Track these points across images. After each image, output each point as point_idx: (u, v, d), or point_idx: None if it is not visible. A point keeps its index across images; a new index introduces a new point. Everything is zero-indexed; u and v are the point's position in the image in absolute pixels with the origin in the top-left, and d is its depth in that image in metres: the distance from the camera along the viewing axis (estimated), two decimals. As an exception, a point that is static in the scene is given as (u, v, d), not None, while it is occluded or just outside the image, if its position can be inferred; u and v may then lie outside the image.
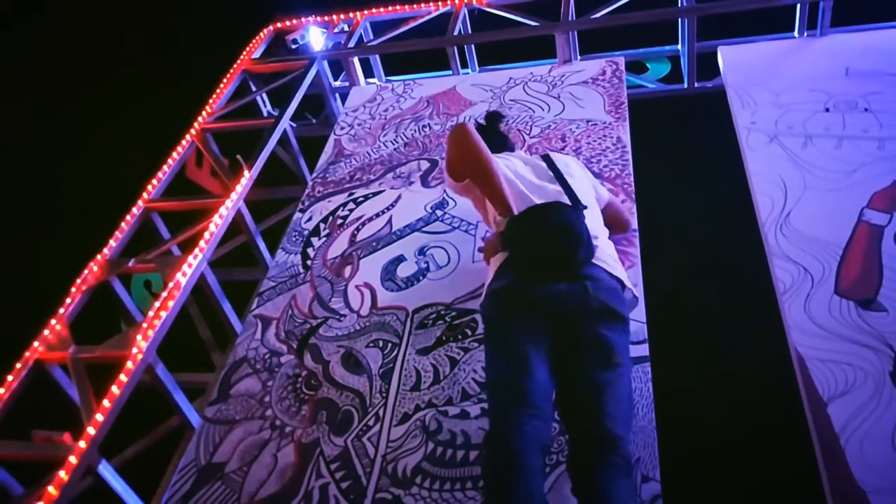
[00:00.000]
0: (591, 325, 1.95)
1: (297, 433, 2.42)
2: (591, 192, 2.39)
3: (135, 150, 4.58)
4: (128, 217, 3.23)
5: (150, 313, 2.64)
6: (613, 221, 2.56)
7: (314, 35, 4.32)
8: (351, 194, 3.44)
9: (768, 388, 3.37)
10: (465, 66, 4.23)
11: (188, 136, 3.65)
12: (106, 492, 2.32)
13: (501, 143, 2.65)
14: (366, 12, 4.43)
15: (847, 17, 3.74)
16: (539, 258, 2.04)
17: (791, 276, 2.53)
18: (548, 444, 1.91)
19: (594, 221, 2.23)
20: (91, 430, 2.28)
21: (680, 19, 3.90)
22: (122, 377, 2.42)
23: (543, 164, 2.37)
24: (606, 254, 2.16)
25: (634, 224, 2.75)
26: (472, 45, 4.22)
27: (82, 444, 2.24)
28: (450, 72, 4.16)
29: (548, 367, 1.93)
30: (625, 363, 1.95)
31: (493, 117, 2.79)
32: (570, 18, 3.92)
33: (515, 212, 2.13)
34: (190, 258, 2.87)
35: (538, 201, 2.18)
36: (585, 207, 2.20)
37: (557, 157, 2.43)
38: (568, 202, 2.20)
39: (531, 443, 1.78)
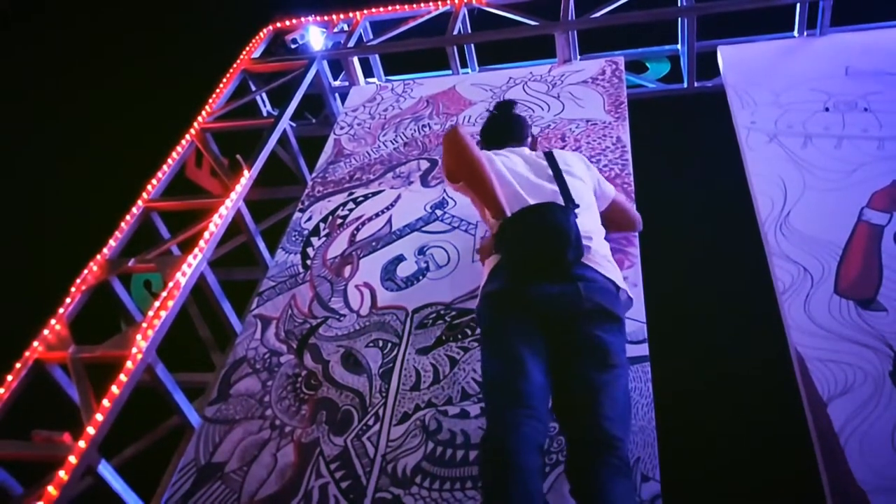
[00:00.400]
0: (585, 326, 1.95)
1: (297, 433, 2.42)
2: (590, 192, 2.37)
3: (135, 150, 4.58)
4: (127, 217, 3.23)
5: (150, 313, 2.64)
6: (620, 218, 2.54)
7: (314, 35, 4.32)
8: (351, 194, 3.44)
9: (768, 388, 3.37)
10: (464, 65, 4.23)
11: (188, 136, 3.65)
12: (106, 492, 2.32)
13: (510, 135, 2.59)
14: (365, 12, 4.43)
15: (847, 16, 3.74)
16: (529, 259, 2.04)
17: (791, 275, 2.53)
18: (545, 444, 1.91)
19: (589, 221, 2.21)
20: (91, 430, 2.28)
21: (679, 19, 3.90)
22: (122, 377, 2.42)
23: (544, 162, 2.35)
24: (600, 255, 2.14)
25: (641, 224, 2.68)
26: (472, 45, 4.21)
27: (82, 443, 2.25)
28: (449, 71, 4.16)
29: (543, 368, 1.93)
30: (621, 364, 1.95)
31: (504, 106, 2.75)
32: (569, 18, 3.92)
33: (508, 213, 2.12)
34: (190, 258, 2.87)
35: (532, 201, 2.17)
36: (577, 206, 2.19)
37: (560, 155, 2.41)
38: (562, 202, 2.19)
39: (528, 443, 1.79)
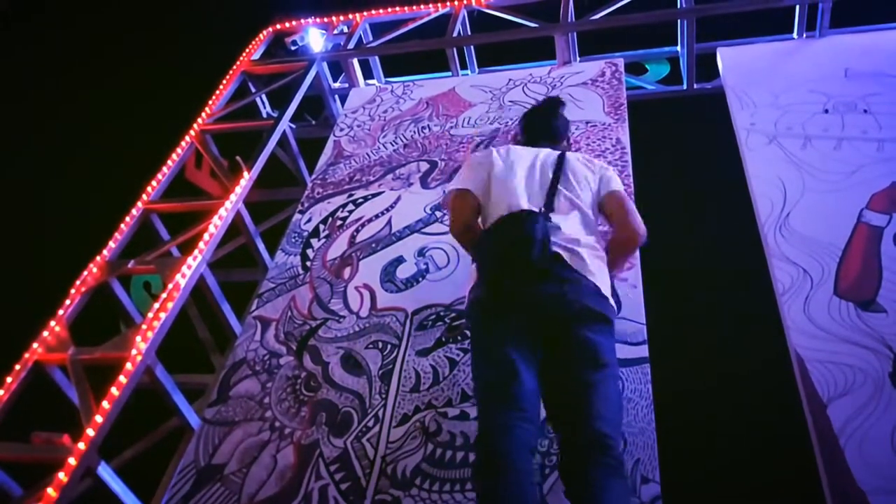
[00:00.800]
0: (574, 327, 1.95)
1: (297, 434, 2.42)
2: (587, 200, 2.24)
3: (134, 151, 4.58)
4: (127, 218, 3.23)
5: (150, 315, 2.64)
6: (618, 217, 2.26)
7: (314, 36, 4.32)
8: (350, 195, 3.44)
9: (768, 389, 3.37)
10: (464, 67, 4.23)
11: (188, 138, 3.65)
12: (105, 493, 2.32)
13: (544, 135, 2.48)
14: (365, 14, 4.43)
15: (846, 18, 3.74)
16: (499, 264, 2.05)
17: (790, 277, 2.53)
18: (537, 447, 1.92)
19: (575, 228, 2.13)
20: (90, 432, 2.28)
21: (679, 21, 3.90)
22: (122, 378, 2.42)
23: (551, 167, 2.28)
24: (587, 261, 2.07)
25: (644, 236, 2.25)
26: (472, 47, 4.22)
27: (81, 445, 2.25)
28: (449, 73, 4.16)
29: (534, 371, 1.93)
30: (611, 364, 1.95)
31: (553, 104, 2.62)
32: (569, 20, 3.92)
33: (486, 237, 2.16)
34: (189, 259, 2.87)
35: (511, 207, 2.14)
36: (553, 212, 2.14)
37: (570, 160, 2.31)
38: (538, 208, 2.14)
39: (521, 445, 1.79)
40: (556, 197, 2.20)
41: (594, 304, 1.99)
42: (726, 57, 3.75)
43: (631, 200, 2.43)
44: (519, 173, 2.28)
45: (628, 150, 3.23)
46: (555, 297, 1.97)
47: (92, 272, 2.92)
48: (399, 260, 2.99)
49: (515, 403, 1.84)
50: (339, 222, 3.29)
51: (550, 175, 2.28)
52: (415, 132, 3.75)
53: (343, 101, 4.25)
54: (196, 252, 2.92)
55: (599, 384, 1.86)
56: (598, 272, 2.08)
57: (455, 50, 4.08)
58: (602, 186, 2.30)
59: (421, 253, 2.99)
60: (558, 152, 2.37)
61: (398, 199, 3.32)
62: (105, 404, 2.35)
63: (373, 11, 4.43)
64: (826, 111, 3.23)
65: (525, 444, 1.79)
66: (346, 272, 3.01)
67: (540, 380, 1.93)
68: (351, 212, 3.34)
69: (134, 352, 2.49)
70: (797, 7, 3.72)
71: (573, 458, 1.79)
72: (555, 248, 2.03)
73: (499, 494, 1.71)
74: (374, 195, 3.39)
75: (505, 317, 1.99)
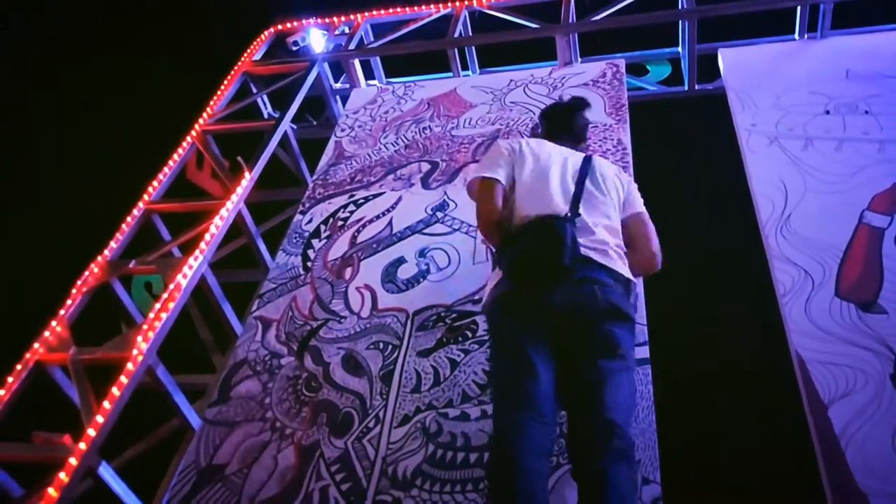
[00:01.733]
0: (599, 323, 1.97)
1: (298, 435, 2.42)
2: (614, 207, 2.26)
3: (135, 152, 4.58)
4: (128, 218, 3.24)
5: (151, 315, 2.64)
6: (637, 240, 2.27)
7: (315, 37, 4.32)
8: (351, 196, 3.44)
9: (769, 391, 3.38)
10: (465, 67, 4.23)
11: (189, 138, 3.65)
12: (106, 493, 2.33)
13: (564, 133, 2.47)
14: (366, 14, 4.44)
15: (847, 19, 3.74)
16: (530, 269, 2.05)
17: (791, 278, 2.53)
18: (552, 448, 1.92)
19: (602, 229, 2.15)
20: (91, 432, 2.28)
21: (680, 21, 3.90)
22: (123, 379, 2.42)
23: (578, 167, 2.28)
24: (616, 260, 2.10)
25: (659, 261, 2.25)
26: (473, 47, 4.22)
27: (82, 445, 2.25)
28: (450, 74, 4.16)
29: (553, 372, 1.94)
30: (628, 357, 1.96)
31: (578, 103, 2.59)
32: (570, 20, 3.92)
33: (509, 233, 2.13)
34: (191, 260, 2.87)
35: (542, 210, 2.15)
36: (578, 216, 2.15)
37: (597, 164, 2.32)
38: (567, 209, 2.16)
39: (536, 447, 1.80)
40: (584, 199, 2.20)
41: (621, 304, 2.02)
42: (727, 58, 3.76)
43: (649, 220, 2.35)
44: (553, 173, 2.25)
45: (629, 150, 3.23)
46: (585, 298, 1.98)
47: (93, 272, 2.93)
48: (400, 260, 2.99)
49: (532, 404, 1.85)
50: (340, 223, 3.29)
51: (577, 177, 2.26)
52: (416, 133, 3.75)
53: (344, 101, 4.25)
54: (197, 252, 2.92)
55: (615, 373, 1.88)
56: (626, 272, 2.12)
57: (456, 50, 4.08)
58: (629, 203, 2.32)
59: (422, 254, 2.99)
60: (583, 154, 2.38)
61: (399, 199, 3.32)
62: (106, 404, 2.36)
63: (374, 12, 4.43)
64: (827, 112, 3.23)
65: (539, 446, 1.80)
66: (347, 273, 3.01)
67: (557, 370, 1.93)
68: (352, 212, 3.34)
69: (135, 352, 2.49)
70: (798, 8, 3.72)
71: (583, 442, 1.80)
72: (584, 251, 2.05)
73: (510, 496, 1.72)
74: (375, 196, 3.39)
75: (530, 317, 1.99)
